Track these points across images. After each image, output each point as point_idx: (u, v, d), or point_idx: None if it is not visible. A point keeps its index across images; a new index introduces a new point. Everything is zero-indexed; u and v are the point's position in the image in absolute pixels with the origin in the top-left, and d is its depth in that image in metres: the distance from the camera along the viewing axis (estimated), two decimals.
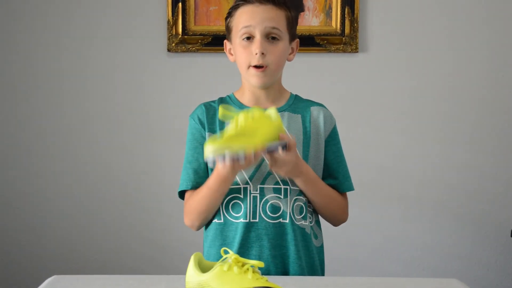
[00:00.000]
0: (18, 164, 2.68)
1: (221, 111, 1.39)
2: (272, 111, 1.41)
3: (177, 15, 2.60)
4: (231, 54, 1.57)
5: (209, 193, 1.48)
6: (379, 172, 2.68)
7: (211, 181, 1.46)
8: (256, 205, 1.48)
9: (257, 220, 1.48)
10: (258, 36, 1.47)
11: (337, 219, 1.61)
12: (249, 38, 1.49)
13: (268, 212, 1.49)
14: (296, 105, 1.58)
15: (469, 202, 2.69)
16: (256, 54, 1.47)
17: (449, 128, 2.68)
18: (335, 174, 1.58)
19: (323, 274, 1.60)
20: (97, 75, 2.66)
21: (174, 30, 2.61)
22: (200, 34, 2.62)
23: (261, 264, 1.17)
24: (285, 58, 1.54)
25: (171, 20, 2.61)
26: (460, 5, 2.65)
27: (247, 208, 1.48)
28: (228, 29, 1.55)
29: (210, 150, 1.29)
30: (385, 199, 2.69)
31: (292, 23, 1.54)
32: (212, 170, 1.51)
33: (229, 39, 1.56)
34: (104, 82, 2.67)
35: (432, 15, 2.65)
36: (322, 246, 1.61)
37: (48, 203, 2.69)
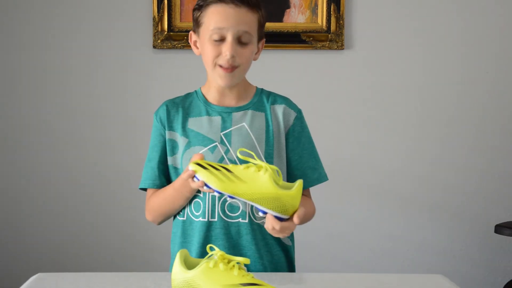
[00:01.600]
0: (0, 161, 2.66)
1: (240, 154, 1.35)
2: (297, 183, 1.30)
3: (163, 12, 2.59)
4: (197, 47, 1.54)
5: (174, 195, 1.48)
6: (363, 169, 2.69)
7: (177, 183, 1.46)
8: (214, 204, 1.47)
9: (215, 220, 1.48)
10: (229, 39, 1.44)
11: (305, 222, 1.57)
12: (220, 38, 1.46)
13: (227, 212, 1.48)
14: (261, 101, 1.56)
15: (454, 199, 2.71)
16: (227, 56, 1.44)
17: (436, 125, 2.69)
18: (294, 172, 1.55)
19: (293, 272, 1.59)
20: (83, 72, 2.65)
21: (159, 26, 2.60)
22: (186, 31, 2.61)
23: (247, 261, 1.17)
24: (252, 59, 1.52)
25: (156, 16, 2.59)
26: (446, 2, 2.66)
27: (206, 207, 1.48)
28: (197, 22, 1.51)
29: (195, 169, 1.28)
30: (370, 196, 2.70)
31: (262, 24, 1.52)
32: (174, 168, 1.51)
33: (197, 32, 1.52)
34: (90, 79, 2.65)
35: (418, 12, 2.66)
36: (292, 245, 1.59)
37: (32, 201, 2.67)
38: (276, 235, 1.34)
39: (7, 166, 2.66)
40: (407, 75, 2.68)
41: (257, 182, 1.26)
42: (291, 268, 1.58)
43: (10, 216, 2.67)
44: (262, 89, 1.60)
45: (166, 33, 2.60)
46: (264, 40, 1.57)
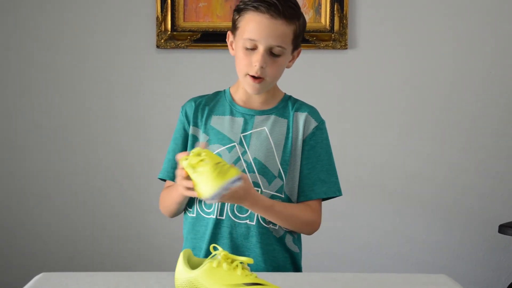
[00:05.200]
0: (6, 160, 2.66)
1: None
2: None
3: (166, 12, 2.60)
4: (232, 48, 1.54)
5: (171, 191, 1.51)
6: (368, 168, 2.69)
7: (174, 185, 1.49)
8: (224, 203, 1.48)
9: (223, 218, 1.49)
10: (261, 50, 1.44)
11: (302, 232, 1.56)
12: (252, 46, 1.46)
13: (235, 211, 1.49)
14: (285, 108, 1.56)
15: (458, 198, 2.70)
16: (256, 66, 1.45)
17: (438, 124, 2.69)
18: (304, 181, 1.53)
19: None
20: (86, 72, 2.65)
21: (163, 26, 2.60)
22: (189, 31, 2.61)
23: (250, 260, 1.17)
24: (284, 69, 1.52)
25: (160, 16, 2.60)
26: (449, 2, 2.66)
27: (217, 204, 1.49)
28: (234, 25, 1.51)
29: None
30: (374, 195, 2.70)
31: (299, 35, 1.51)
32: None
33: (234, 34, 1.52)
34: (93, 79, 2.66)
35: (421, 11, 2.66)
36: (299, 251, 1.59)
37: (36, 200, 2.67)
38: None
39: (12, 165, 2.67)
40: (410, 75, 2.68)
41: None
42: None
43: (15, 215, 2.68)
44: (290, 96, 1.60)
45: (169, 32, 2.60)
46: (301, 49, 1.56)
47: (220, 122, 1.54)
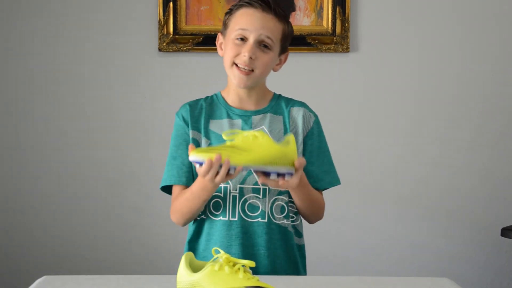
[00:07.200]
0: (7, 163, 2.67)
1: (225, 132, 1.40)
2: (290, 138, 1.40)
3: (168, 15, 2.60)
4: (221, 49, 1.58)
5: (191, 198, 1.49)
6: (370, 172, 2.69)
7: (195, 186, 1.48)
8: (235, 204, 1.50)
9: (236, 219, 1.51)
10: (251, 41, 1.49)
11: (316, 219, 1.62)
12: (242, 39, 1.51)
13: (247, 211, 1.51)
14: (278, 105, 1.60)
15: (460, 202, 2.70)
16: (245, 56, 1.49)
17: (440, 127, 2.69)
18: (309, 174, 1.55)
19: (305, 272, 1.62)
20: (88, 75, 2.66)
21: (165, 29, 2.60)
22: (191, 34, 2.61)
23: (252, 263, 1.17)
24: (271, 67, 1.56)
25: (162, 19, 2.60)
26: (451, 4, 2.66)
27: (226, 206, 1.51)
28: (225, 25, 1.56)
29: (193, 155, 1.33)
30: (376, 198, 2.70)
31: (286, 37, 1.56)
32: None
33: (223, 34, 1.57)
34: (95, 82, 2.66)
35: (423, 14, 2.66)
36: (304, 245, 1.62)
37: (38, 203, 2.67)
38: (289, 188, 1.43)
39: (13, 168, 2.67)
40: (412, 78, 2.68)
41: (261, 147, 1.34)
42: (304, 267, 1.61)
43: (17, 218, 2.68)
44: (279, 94, 1.64)
45: (171, 36, 2.61)
46: (288, 54, 1.61)
47: (219, 126, 1.56)
